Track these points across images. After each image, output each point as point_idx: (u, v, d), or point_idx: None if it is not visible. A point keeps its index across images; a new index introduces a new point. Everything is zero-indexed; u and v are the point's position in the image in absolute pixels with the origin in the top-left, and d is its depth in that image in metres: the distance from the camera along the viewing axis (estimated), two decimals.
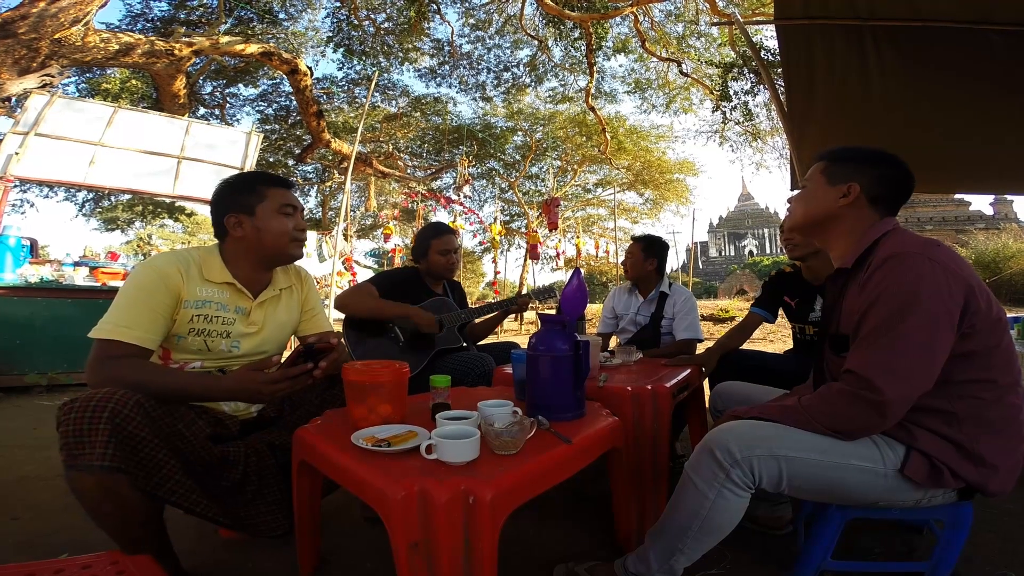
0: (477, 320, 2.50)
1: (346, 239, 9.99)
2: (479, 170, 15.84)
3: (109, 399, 0.98)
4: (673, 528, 1.10)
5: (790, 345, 2.26)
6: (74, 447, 0.95)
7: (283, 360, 1.24)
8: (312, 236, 9.32)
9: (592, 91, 10.69)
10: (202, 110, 11.13)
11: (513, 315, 2.61)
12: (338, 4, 9.58)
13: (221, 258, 1.36)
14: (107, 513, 1.01)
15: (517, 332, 10.48)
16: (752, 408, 1.21)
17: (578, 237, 14.88)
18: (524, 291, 2.67)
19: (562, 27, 9.24)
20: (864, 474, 1.04)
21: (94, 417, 0.96)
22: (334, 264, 7.35)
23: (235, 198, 1.35)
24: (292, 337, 1.57)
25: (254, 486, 1.23)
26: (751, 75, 8.75)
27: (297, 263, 1.54)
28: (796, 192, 1.31)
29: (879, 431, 1.04)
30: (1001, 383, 1.04)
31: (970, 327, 1.00)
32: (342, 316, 2.19)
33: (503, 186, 17.04)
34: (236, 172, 1.46)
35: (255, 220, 1.34)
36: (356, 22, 9.70)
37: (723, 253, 53.25)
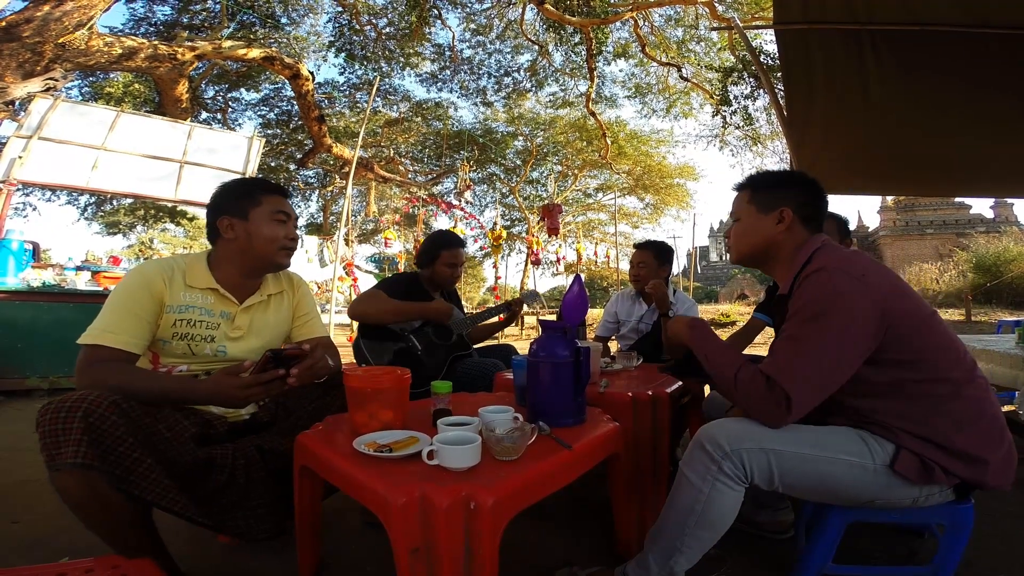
0: (479, 324, 2.51)
1: (347, 244, 10.02)
2: (480, 175, 15.89)
3: (84, 399, 0.99)
4: (670, 526, 1.10)
5: None
6: (51, 447, 0.96)
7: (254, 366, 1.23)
8: (313, 241, 9.35)
9: (592, 96, 10.73)
10: (204, 114, 11.19)
11: (514, 322, 2.57)
12: (340, 9, 9.64)
13: (207, 264, 1.38)
14: (91, 513, 1.01)
15: (517, 337, 10.47)
16: (697, 322, 1.30)
17: (579, 242, 14.91)
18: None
19: (562, 32, 9.29)
20: (854, 469, 1.05)
21: (68, 417, 0.97)
22: (335, 269, 7.36)
23: (231, 201, 1.37)
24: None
25: (240, 489, 1.22)
26: (751, 79, 8.78)
27: (294, 269, 1.55)
28: (731, 226, 1.34)
29: (783, 425, 1.07)
30: (955, 377, 1.07)
31: (894, 333, 1.04)
32: (351, 323, 2.19)
33: (504, 191, 17.09)
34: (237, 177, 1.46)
35: (248, 224, 1.36)
36: (358, 27, 9.76)
37: (724, 258, 53.23)
